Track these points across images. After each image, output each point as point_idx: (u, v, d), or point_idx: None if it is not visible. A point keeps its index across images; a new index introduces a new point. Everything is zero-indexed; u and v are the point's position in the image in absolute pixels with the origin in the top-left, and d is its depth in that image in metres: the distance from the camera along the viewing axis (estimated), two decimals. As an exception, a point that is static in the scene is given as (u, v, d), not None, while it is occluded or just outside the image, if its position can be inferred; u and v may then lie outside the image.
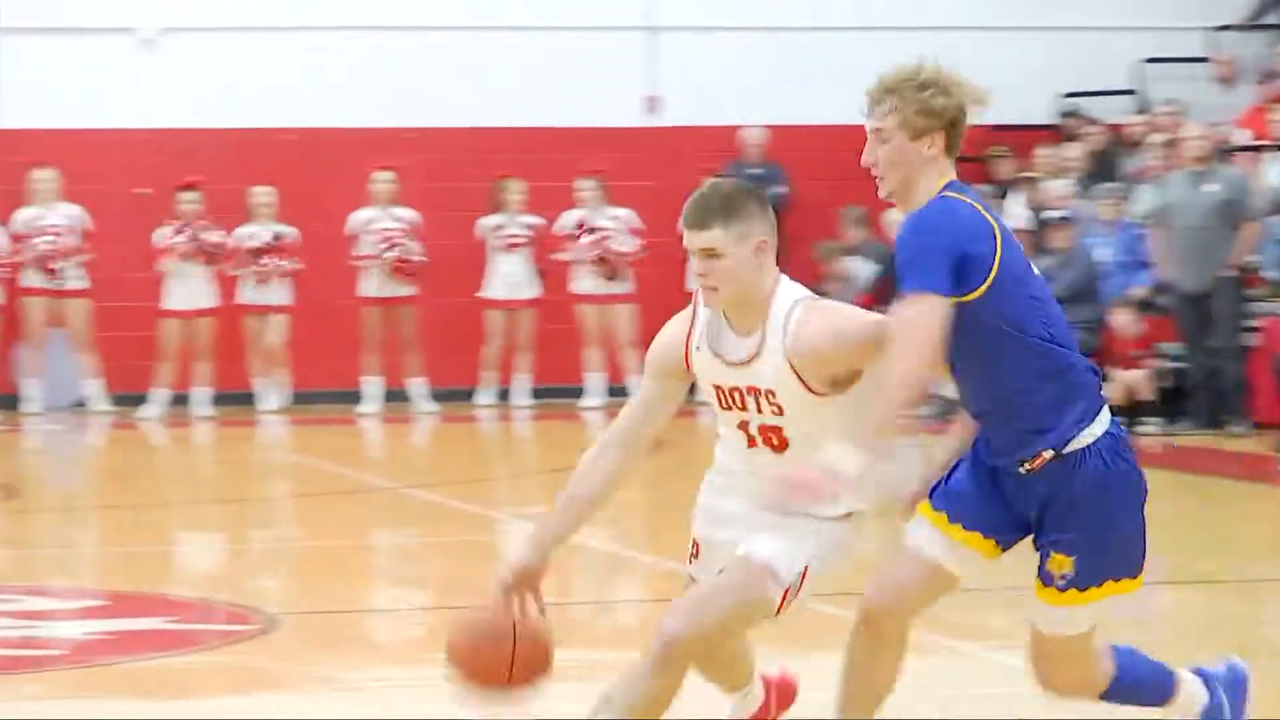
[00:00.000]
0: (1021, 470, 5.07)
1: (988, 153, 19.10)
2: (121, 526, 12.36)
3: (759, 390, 5.16)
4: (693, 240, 5.11)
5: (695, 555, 5.41)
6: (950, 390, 5.12)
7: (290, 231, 18.47)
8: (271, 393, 18.58)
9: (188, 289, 18.20)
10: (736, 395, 5.20)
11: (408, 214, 18.56)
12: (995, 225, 4.94)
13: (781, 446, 5.21)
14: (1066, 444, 5.07)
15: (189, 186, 18.10)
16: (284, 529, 12.57)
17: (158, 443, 17.90)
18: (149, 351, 18.28)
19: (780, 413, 5.16)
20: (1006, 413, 5.06)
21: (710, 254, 5.09)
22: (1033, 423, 5.05)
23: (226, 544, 11.98)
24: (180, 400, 18.34)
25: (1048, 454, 5.06)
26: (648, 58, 19.97)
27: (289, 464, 16.68)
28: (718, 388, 5.21)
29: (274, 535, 12.17)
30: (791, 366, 5.12)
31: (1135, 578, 5.15)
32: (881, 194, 5.06)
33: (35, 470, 16.39)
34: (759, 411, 5.19)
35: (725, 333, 5.21)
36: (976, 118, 5.03)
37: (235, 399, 18.34)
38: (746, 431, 5.23)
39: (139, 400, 18.23)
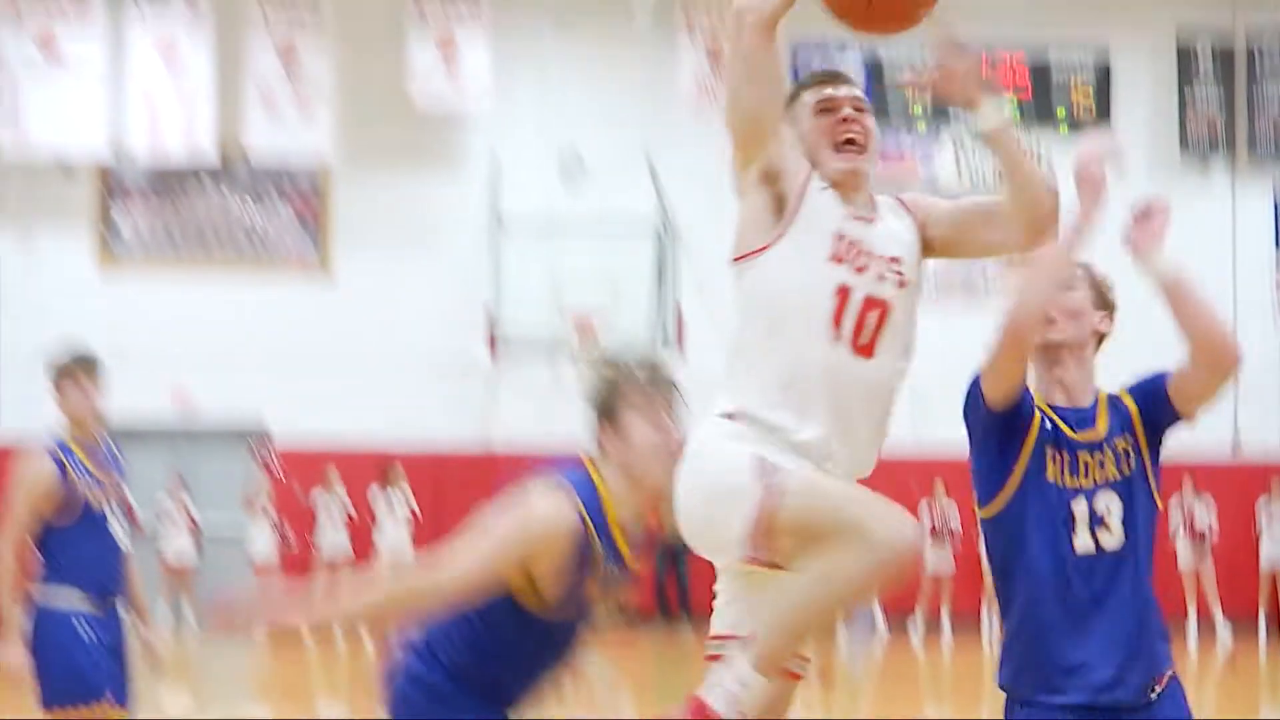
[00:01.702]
0: (1151, 697, 4.23)
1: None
2: None
3: (884, 255, 4.28)
4: (842, 92, 4.38)
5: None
6: None
7: None
8: None
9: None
10: (857, 250, 4.25)
11: None
12: None
13: (871, 344, 4.24)
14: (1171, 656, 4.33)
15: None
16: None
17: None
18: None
19: (902, 284, 4.29)
20: (1148, 623, 4.26)
21: (860, 108, 4.38)
22: (1158, 627, 4.32)
23: None
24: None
25: (1169, 670, 4.30)
26: None
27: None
28: (840, 235, 4.24)
29: None
30: (910, 218, 4.40)
31: None
32: (1053, 337, 4.31)
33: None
34: (880, 279, 4.25)
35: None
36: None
37: None
38: (842, 306, 4.20)
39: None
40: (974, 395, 4.33)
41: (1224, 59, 22.53)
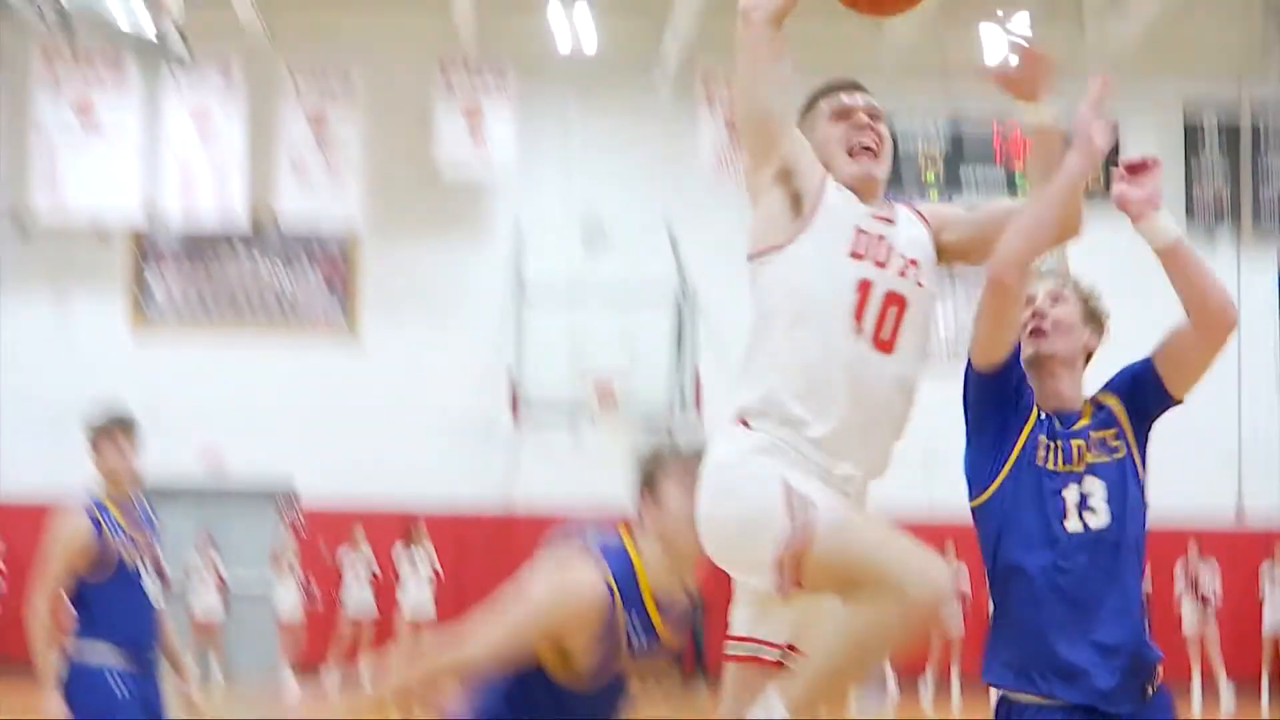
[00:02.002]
0: (1147, 696, 4.19)
1: None
2: None
3: (903, 255, 4.18)
4: (857, 99, 4.34)
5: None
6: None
7: None
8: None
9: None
10: (877, 246, 4.15)
11: None
12: None
13: (891, 340, 4.12)
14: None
15: None
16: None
17: None
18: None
19: (921, 285, 4.17)
20: (1136, 628, 4.21)
21: (874, 115, 4.33)
22: (1144, 633, 4.24)
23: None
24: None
25: (1159, 667, 4.24)
26: None
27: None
28: (860, 230, 4.14)
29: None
30: (926, 226, 4.30)
31: None
32: (1045, 349, 4.39)
33: None
34: (901, 275, 4.15)
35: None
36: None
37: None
38: (863, 300, 4.10)
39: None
40: (967, 371, 4.31)
41: (1230, 132, 22.65)
